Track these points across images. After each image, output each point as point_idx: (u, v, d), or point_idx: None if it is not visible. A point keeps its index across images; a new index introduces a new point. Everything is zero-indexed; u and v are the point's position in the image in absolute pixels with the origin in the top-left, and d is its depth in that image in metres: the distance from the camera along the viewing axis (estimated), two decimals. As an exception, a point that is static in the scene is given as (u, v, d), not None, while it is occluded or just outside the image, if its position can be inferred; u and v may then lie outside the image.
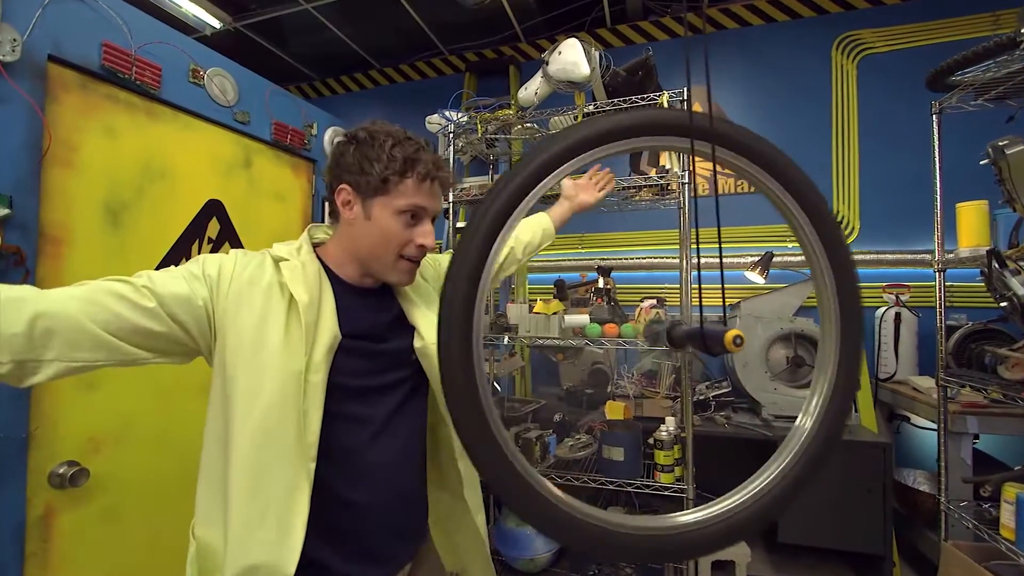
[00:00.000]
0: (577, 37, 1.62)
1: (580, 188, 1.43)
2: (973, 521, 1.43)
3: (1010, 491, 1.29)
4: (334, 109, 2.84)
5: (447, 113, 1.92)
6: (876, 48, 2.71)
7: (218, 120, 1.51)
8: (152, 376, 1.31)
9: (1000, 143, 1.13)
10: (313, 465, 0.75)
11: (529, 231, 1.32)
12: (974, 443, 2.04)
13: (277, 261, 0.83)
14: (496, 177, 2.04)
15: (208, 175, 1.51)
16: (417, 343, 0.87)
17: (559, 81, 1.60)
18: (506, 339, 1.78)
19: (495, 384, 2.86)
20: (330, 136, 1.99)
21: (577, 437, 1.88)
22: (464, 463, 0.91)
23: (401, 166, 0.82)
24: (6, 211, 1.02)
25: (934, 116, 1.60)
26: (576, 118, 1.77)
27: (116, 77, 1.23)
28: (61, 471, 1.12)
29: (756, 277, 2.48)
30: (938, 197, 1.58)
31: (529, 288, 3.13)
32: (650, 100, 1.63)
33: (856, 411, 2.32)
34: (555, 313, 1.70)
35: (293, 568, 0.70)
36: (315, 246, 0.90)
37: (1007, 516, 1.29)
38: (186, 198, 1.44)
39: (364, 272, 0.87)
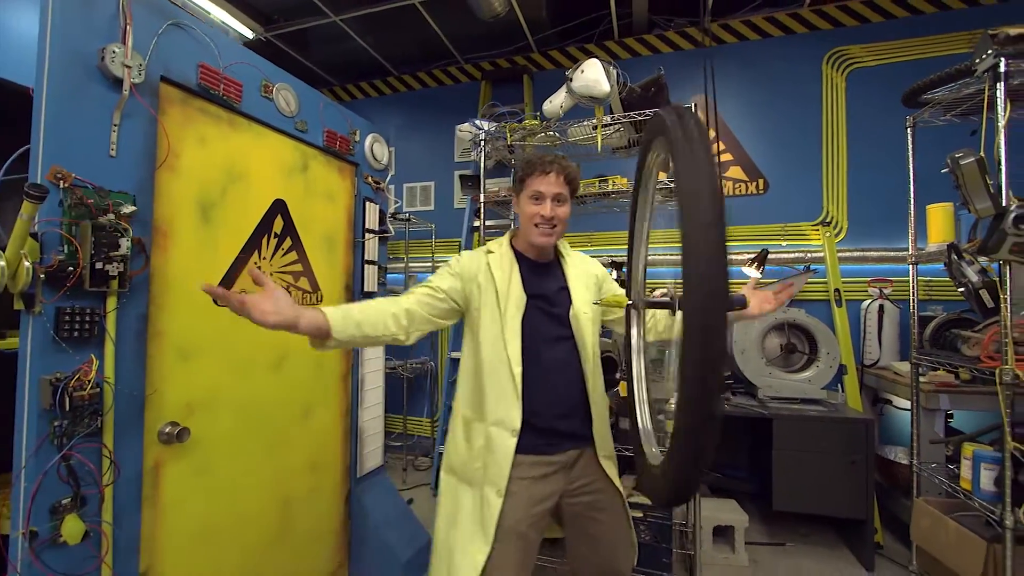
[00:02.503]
0: (595, 55, 1.83)
1: (760, 299, 1.25)
2: (940, 478, 1.66)
3: (968, 449, 1.52)
4: (356, 113, 3.04)
5: (477, 122, 2.12)
6: (864, 62, 2.95)
7: (283, 129, 1.72)
8: (232, 352, 1.52)
9: (956, 155, 1.36)
10: (518, 369, 1.21)
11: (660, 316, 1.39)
12: (948, 420, 2.27)
13: (487, 253, 1.33)
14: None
15: (274, 178, 1.71)
16: (571, 310, 1.28)
17: (582, 96, 1.81)
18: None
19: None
20: (370, 142, 2.20)
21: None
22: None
23: (527, 169, 1.29)
24: (133, 208, 1.22)
25: (908, 129, 1.83)
26: (594, 128, 1.98)
27: (208, 93, 1.43)
28: (167, 430, 1.32)
29: (753, 272, 2.71)
30: (912, 200, 1.81)
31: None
32: (661, 113, 1.85)
33: (843, 392, 2.55)
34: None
35: (519, 422, 1.20)
36: (513, 238, 1.38)
37: (966, 470, 1.52)
38: (257, 198, 1.64)
39: (529, 245, 1.31)
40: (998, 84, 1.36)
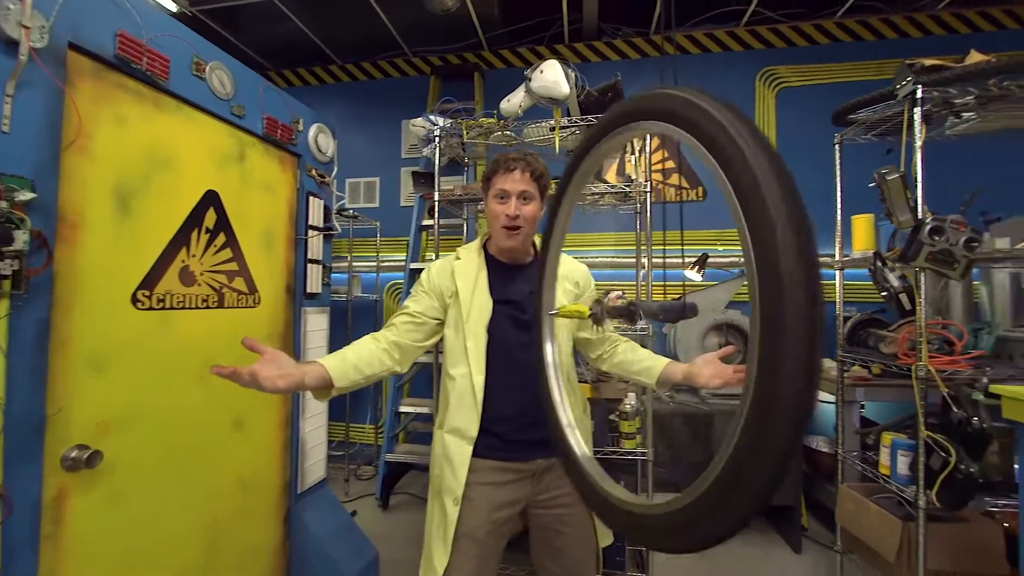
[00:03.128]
0: (545, 57, 1.83)
1: (714, 373, 1.14)
2: (862, 465, 1.82)
3: (886, 438, 1.68)
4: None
5: (431, 117, 2.05)
6: (791, 82, 3.20)
7: (217, 113, 1.55)
8: (153, 361, 1.35)
9: (883, 171, 1.49)
10: (480, 378, 1.20)
11: (636, 357, 1.30)
12: (861, 411, 2.51)
13: (455, 260, 1.30)
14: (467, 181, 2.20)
15: (206, 166, 1.54)
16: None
17: (541, 97, 1.79)
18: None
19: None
20: (314, 132, 2.05)
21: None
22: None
23: (493, 168, 1.25)
24: (31, 195, 1.03)
25: (836, 146, 2.00)
26: (551, 130, 1.98)
27: (129, 67, 1.25)
28: (74, 455, 1.14)
29: (694, 275, 2.84)
30: (839, 211, 1.97)
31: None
32: (617, 118, 1.88)
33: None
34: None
35: (476, 430, 1.20)
36: (487, 241, 1.34)
37: (885, 457, 1.67)
38: (187, 188, 1.47)
39: (500, 248, 1.27)
40: (915, 108, 1.51)
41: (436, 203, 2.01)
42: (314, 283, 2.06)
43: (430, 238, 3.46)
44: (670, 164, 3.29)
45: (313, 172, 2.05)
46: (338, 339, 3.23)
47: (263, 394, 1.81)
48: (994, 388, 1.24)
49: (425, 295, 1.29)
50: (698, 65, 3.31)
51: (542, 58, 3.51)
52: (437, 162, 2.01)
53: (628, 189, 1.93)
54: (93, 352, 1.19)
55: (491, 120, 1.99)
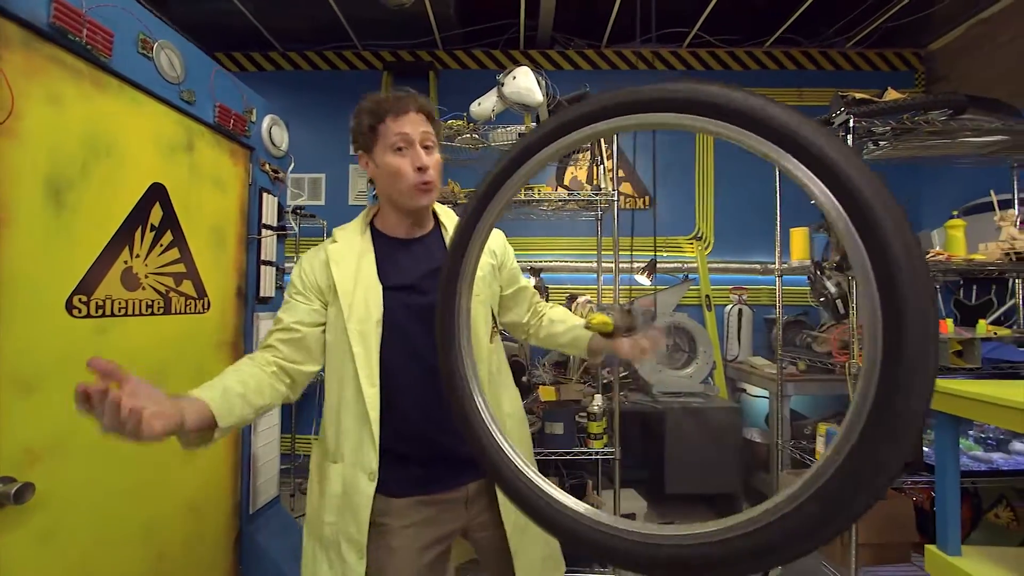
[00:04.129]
0: (500, 61, 1.84)
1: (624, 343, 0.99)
2: (799, 453, 2.01)
3: (822, 427, 1.87)
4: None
5: (398, 115, 1.98)
6: (725, 102, 3.47)
7: (164, 97, 1.39)
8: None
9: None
10: (373, 391, 0.95)
11: (564, 327, 1.13)
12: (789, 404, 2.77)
13: (330, 244, 1.04)
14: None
15: (152, 157, 1.38)
16: None
17: (514, 103, 1.80)
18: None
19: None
20: (268, 124, 1.90)
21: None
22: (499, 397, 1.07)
23: (377, 112, 0.97)
24: (-52, 183, 0.87)
25: (776, 163, 2.20)
26: (520, 135, 1.99)
27: (65, 39, 1.09)
28: (-3, 488, 0.97)
29: (644, 280, 2.99)
30: (778, 223, 2.17)
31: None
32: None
33: (714, 384, 2.95)
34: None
35: (375, 461, 0.95)
36: (375, 217, 1.07)
37: (821, 445, 1.87)
38: (130, 180, 1.30)
39: (401, 216, 1.02)
40: (848, 135, 1.70)
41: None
42: (267, 286, 1.91)
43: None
44: (620, 172, 3.44)
45: (267, 167, 1.90)
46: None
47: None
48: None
49: (300, 297, 0.99)
50: (647, 80, 3.48)
51: (497, 62, 3.53)
52: (405, 162, 1.94)
53: (597, 196, 2.00)
54: (21, 368, 1.02)
55: (460, 122, 1.96)
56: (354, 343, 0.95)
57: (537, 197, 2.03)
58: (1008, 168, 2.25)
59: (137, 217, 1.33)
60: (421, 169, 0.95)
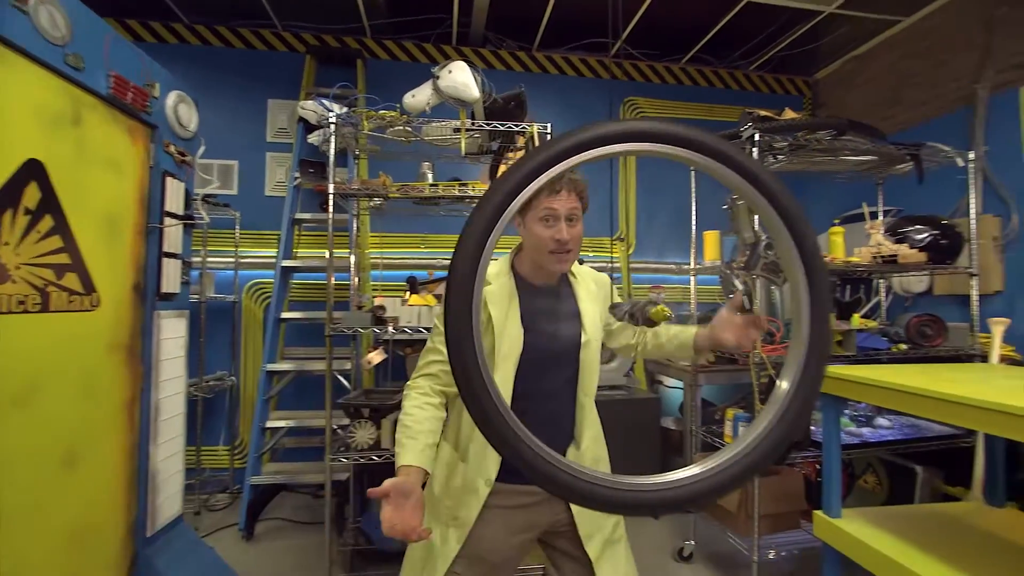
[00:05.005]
0: (431, 55, 1.84)
1: (727, 326, 1.15)
2: (710, 437, 2.20)
3: (729, 413, 2.06)
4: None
5: (324, 102, 1.88)
6: (648, 113, 3.69)
7: (44, 60, 1.20)
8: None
9: (733, 196, 1.85)
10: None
11: (667, 335, 1.26)
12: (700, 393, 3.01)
13: (486, 286, 1.13)
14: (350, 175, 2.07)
15: (28, 128, 1.19)
16: (583, 337, 1.14)
17: (450, 97, 1.79)
18: (390, 328, 1.86)
19: (344, 380, 2.79)
20: (175, 101, 1.72)
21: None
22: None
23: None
24: None
25: (692, 172, 2.39)
26: (456, 131, 1.98)
27: (-90, -21, 0.91)
28: None
29: (572, 278, 3.09)
30: (693, 227, 2.36)
31: (372, 284, 3.15)
32: (520, 128, 1.97)
33: (635, 377, 3.13)
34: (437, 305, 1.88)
35: (495, 472, 1.10)
36: (516, 259, 1.20)
37: (728, 429, 2.06)
38: (-2, 154, 1.12)
39: (538, 268, 1.14)
40: (754, 148, 1.89)
41: (331, 196, 1.84)
42: (171, 281, 1.73)
43: (302, 233, 3.14)
44: (549, 174, 3.53)
45: (172, 148, 1.72)
46: (191, 348, 2.74)
47: (101, 418, 1.48)
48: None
49: None
50: (573, 86, 3.62)
51: (429, 56, 3.47)
52: (333, 152, 1.84)
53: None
54: None
55: (393, 113, 1.91)
56: (497, 371, 1.08)
57: (471, 193, 2.02)
58: (874, 184, 2.63)
59: (7, 198, 1.14)
60: (561, 242, 1.08)
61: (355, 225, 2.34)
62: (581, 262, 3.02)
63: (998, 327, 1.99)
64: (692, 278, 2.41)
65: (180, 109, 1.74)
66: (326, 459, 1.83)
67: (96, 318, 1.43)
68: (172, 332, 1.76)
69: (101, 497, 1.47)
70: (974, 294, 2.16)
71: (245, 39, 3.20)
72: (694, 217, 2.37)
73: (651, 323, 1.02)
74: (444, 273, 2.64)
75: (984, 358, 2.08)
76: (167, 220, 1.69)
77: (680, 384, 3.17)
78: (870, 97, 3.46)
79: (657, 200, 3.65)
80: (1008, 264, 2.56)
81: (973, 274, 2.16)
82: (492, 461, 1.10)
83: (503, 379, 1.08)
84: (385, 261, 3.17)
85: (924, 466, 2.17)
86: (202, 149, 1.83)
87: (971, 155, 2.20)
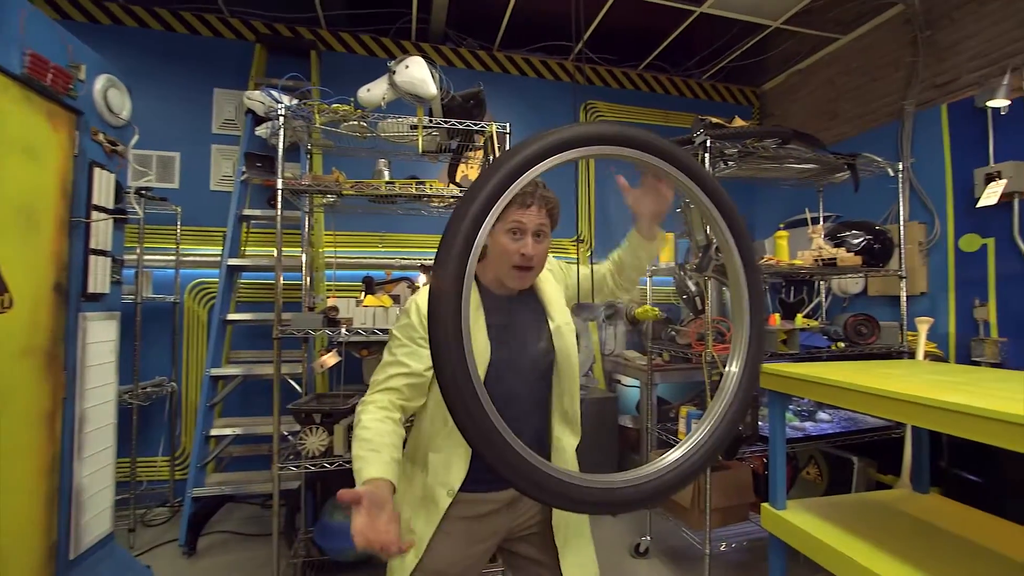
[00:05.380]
0: (389, 50, 1.80)
1: (637, 200, 1.13)
2: (665, 434, 2.25)
3: (683, 410, 2.12)
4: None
5: (274, 92, 1.79)
6: (607, 116, 3.76)
7: (-57, 33, 1.08)
8: None
9: (686, 200, 1.90)
10: None
11: (617, 257, 1.25)
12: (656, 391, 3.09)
13: None
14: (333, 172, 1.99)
15: (-78, 107, 1.06)
16: (556, 342, 1.12)
17: (406, 93, 1.75)
18: (343, 331, 1.79)
19: (295, 384, 2.67)
20: (104, 85, 1.59)
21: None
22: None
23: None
24: None
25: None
26: (413, 128, 1.93)
27: None
28: None
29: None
30: (649, 228, 2.41)
31: (327, 285, 3.04)
32: (480, 126, 1.95)
33: (595, 377, 3.17)
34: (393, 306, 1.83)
35: (460, 483, 1.06)
36: (479, 269, 1.13)
37: (682, 426, 2.11)
38: None
39: (500, 283, 1.12)
40: (705, 154, 1.96)
41: (279, 192, 1.75)
42: (99, 281, 1.60)
43: (250, 230, 2.99)
44: (510, 175, 3.53)
45: (101, 137, 1.59)
46: (125, 352, 2.55)
47: (13, 431, 1.33)
48: (755, 366, 1.69)
49: (422, 343, 1.06)
50: (534, 87, 3.63)
51: (387, 51, 3.39)
52: (282, 145, 1.75)
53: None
54: None
55: (347, 107, 1.84)
56: None
57: (429, 192, 1.98)
58: (815, 191, 2.79)
59: None
60: (525, 257, 1.06)
61: (307, 223, 2.24)
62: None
63: (923, 325, 2.15)
64: (648, 279, 2.46)
65: (111, 95, 1.61)
66: (273, 468, 1.74)
67: (8, 320, 1.30)
68: (100, 335, 1.63)
69: (12, 520, 1.34)
70: (903, 295, 2.33)
71: (188, 23, 3.01)
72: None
73: (636, 322, 1.08)
74: (401, 274, 2.59)
75: (912, 355, 2.24)
76: (94, 214, 1.56)
77: (637, 383, 3.24)
78: (811, 108, 3.66)
79: (615, 202, 3.72)
80: (931, 267, 2.77)
81: (902, 276, 2.32)
82: (457, 470, 1.06)
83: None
84: (340, 260, 3.06)
85: (860, 456, 2.31)
86: (135, 138, 1.71)
87: (900, 166, 2.36)
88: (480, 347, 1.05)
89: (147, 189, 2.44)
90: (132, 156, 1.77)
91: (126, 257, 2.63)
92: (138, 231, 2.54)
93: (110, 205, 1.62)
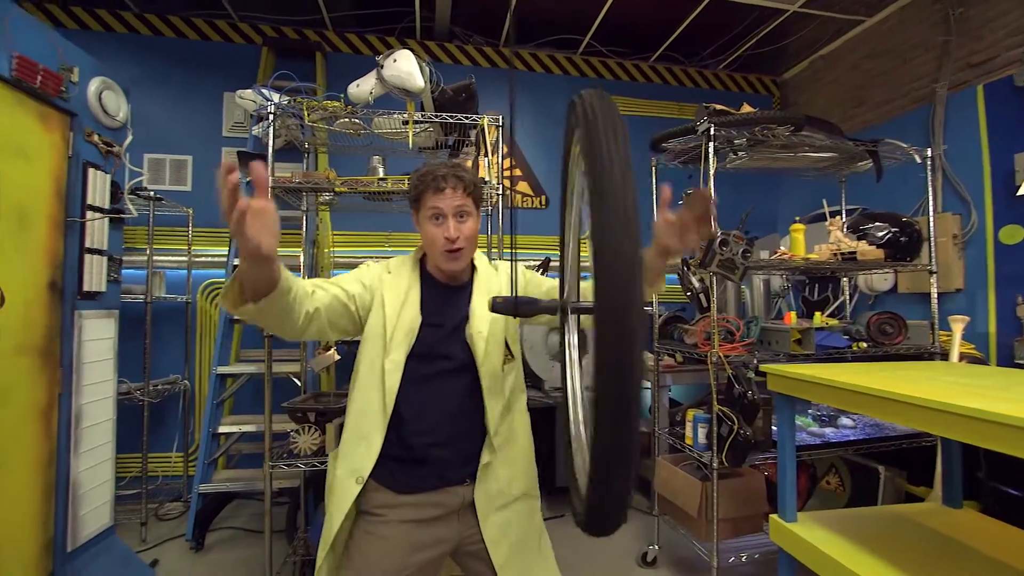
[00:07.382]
0: (409, 48, 1.77)
1: (666, 231, 0.94)
2: (672, 439, 2.15)
3: (690, 414, 2.02)
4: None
5: (264, 91, 1.79)
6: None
7: (-73, 36, 1.11)
8: None
9: (688, 191, 1.81)
10: (392, 407, 1.06)
11: None
12: (668, 393, 2.98)
13: (386, 273, 1.16)
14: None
15: (-94, 109, 1.09)
16: (466, 332, 1.11)
17: (395, 87, 1.72)
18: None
19: (298, 382, 2.69)
20: (98, 87, 1.62)
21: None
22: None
23: (419, 186, 1.10)
24: None
25: (653, 168, 2.35)
26: (404, 123, 1.90)
27: None
28: None
29: (539, 277, 3.03)
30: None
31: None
32: (471, 120, 1.90)
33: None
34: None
35: (369, 469, 1.04)
36: (424, 258, 1.19)
37: (688, 430, 2.01)
38: None
39: (440, 270, 1.14)
40: (710, 143, 1.85)
41: (270, 191, 1.75)
42: (95, 279, 1.63)
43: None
44: (517, 172, 3.47)
45: (95, 138, 1.62)
46: (134, 351, 2.61)
47: (9, 426, 1.36)
48: (762, 367, 1.58)
49: (361, 284, 1.11)
50: (544, 82, 3.57)
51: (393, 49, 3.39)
52: (272, 144, 1.75)
53: (484, 186, 1.96)
54: None
55: (337, 104, 1.82)
56: (387, 362, 1.06)
57: (422, 188, 1.95)
58: (838, 182, 2.62)
59: None
60: (450, 240, 1.08)
61: (306, 221, 2.24)
62: (548, 260, 2.97)
63: (957, 324, 1.98)
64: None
65: (105, 97, 1.64)
66: (265, 466, 1.74)
67: (1, 317, 1.33)
68: (97, 332, 1.66)
69: (10, 513, 1.36)
70: (933, 291, 2.15)
71: (199, 29, 3.09)
72: (653, 215, 2.33)
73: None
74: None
75: (945, 356, 2.07)
76: (90, 214, 1.59)
77: (647, 384, 3.12)
78: (836, 96, 3.47)
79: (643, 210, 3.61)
80: (968, 262, 2.57)
81: (932, 271, 2.15)
82: (366, 456, 1.04)
83: (394, 364, 1.06)
84: (347, 260, 3.08)
85: (887, 466, 2.15)
86: (129, 139, 1.73)
87: (928, 152, 2.19)
88: (408, 318, 1.09)
89: (143, 189, 2.48)
90: (128, 157, 1.80)
91: (136, 258, 2.72)
92: (147, 232, 2.60)
93: (105, 205, 1.65)
